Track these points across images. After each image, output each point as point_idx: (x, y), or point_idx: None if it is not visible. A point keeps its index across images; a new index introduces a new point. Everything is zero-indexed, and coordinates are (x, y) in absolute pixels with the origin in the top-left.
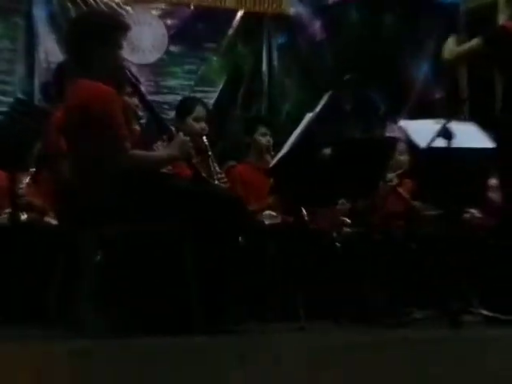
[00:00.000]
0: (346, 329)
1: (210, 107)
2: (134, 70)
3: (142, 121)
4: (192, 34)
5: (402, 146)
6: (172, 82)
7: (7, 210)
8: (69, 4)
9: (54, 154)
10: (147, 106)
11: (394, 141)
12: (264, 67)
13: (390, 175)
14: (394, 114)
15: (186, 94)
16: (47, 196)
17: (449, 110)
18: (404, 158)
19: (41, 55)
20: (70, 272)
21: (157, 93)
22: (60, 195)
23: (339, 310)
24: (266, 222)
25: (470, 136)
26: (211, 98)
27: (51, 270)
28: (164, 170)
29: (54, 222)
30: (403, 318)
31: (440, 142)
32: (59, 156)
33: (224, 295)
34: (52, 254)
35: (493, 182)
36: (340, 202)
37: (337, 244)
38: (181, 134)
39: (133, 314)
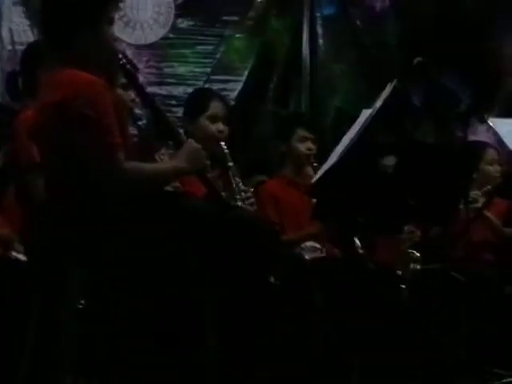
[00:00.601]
0: None
1: (232, 102)
2: (129, 52)
3: (141, 122)
4: (208, 2)
5: (491, 154)
6: (180, 69)
7: None
8: None
9: (25, 165)
10: (147, 101)
11: (480, 146)
12: (305, 48)
13: (474, 193)
14: (481, 111)
15: (199, 84)
16: (14, 222)
17: None
18: (494, 169)
19: (4, 34)
20: (44, 327)
21: (160, 83)
22: (32, 221)
23: (407, 373)
24: (307, 257)
25: None
26: (233, 90)
27: (19, 323)
28: (169, 188)
29: (22, 257)
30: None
31: None
32: (32, 168)
33: (252, 357)
34: (20, 302)
35: None
36: (406, 229)
37: (402, 286)
38: (191, 139)
39: None
